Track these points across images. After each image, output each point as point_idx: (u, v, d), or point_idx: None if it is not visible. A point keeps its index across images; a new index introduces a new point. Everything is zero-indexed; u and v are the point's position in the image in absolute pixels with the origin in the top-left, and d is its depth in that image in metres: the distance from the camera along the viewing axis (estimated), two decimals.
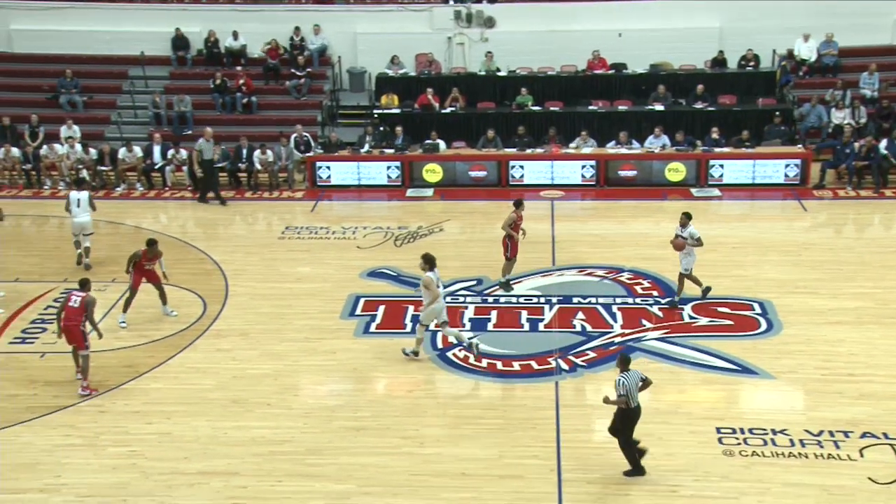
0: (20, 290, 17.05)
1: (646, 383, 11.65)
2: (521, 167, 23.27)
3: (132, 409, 13.33)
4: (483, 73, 26.62)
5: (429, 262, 14.35)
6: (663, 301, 16.50)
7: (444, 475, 11.85)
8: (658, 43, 26.73)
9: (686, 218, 16.29)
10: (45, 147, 23.37)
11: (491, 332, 15.74)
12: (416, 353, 14.71)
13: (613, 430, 11.63)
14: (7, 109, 24.90)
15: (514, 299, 16.83)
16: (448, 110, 25.37)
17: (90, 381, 13.77)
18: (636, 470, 11.65)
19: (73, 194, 18.38)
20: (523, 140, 23.92)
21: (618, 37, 26.87)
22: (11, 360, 14.74)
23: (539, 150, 23.60)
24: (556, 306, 16.52)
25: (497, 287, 17.01)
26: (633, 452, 11.62)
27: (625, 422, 11.51)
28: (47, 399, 13.57)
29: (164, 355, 14.86)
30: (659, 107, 25.06)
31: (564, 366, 14.56)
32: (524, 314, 16.31)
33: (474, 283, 17.46)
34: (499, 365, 14.66)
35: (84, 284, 14.01)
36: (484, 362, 14.69)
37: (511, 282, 17.14)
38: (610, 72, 26.47)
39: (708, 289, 16.46)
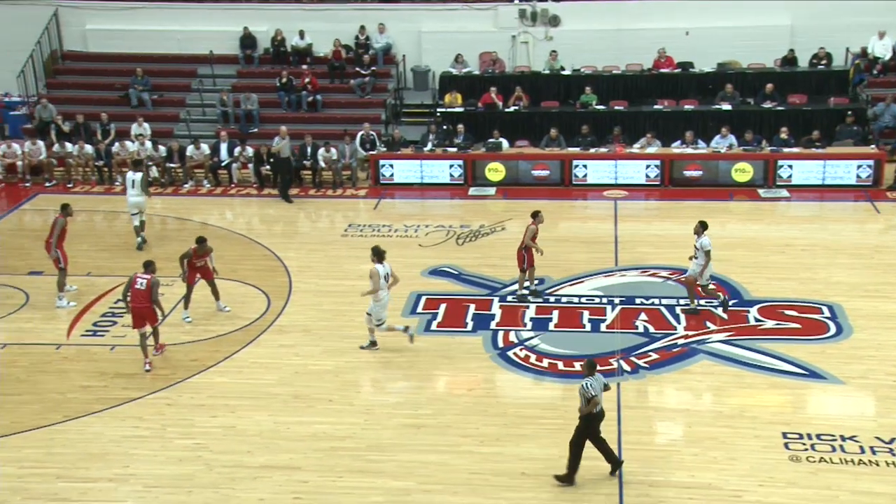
0: (92, 284, 17.45)
1: (606, 388, 11.50)
2: (585, 166, 23.10)
3: (198, 403, 13.57)
4: (547, 71, 26.48)
5: (377, 254, 14.64)
6: (686, 307, 16.12)
7: (503, 474, 11.81)
8: (726, 41, 26.31)
9: (701, 227, 15.99)
10: (116, 144, 23.89)
11: (552, 331, 15.66)
12: (373, 343, 14.93)
13: (575, 442, 11.42)
14: (81, 107, 25.53)
15: (575, 299, 16.71)
16: (511, 109, 25.30)
17: (161, 342, 14.84)
18: (568, 477, 11.42)
19: (129, 175, 19.46)
20: (587, 139, 23.74)
21: (685, 35, 26.51)
22: (83, 352, 15.11)
23: (603, 150, 23.41)
24: (619, 307, 16.36)
25: (517, 298, 16.51)
26: (576, 460, 11.40)
27: (588, 425, 11.34)
28: (117, 391, 13.88)
29: (229, 350, 15.08)
30: (726, 106, 24.66)
31: (626, 367, 14.42)
32: (586, 314, 16.19)
33: (536, 282, 17.37)
34: (560, 365, 14.58)
35: (148, 266, 14.54)
36: (545, 362, 14.63)
37: (535, 288, 16.74)
38: (676, 70, 26.13)
39: (726, 301, 16.08)
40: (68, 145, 23.88)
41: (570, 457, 11.44)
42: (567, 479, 11.46)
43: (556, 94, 25.99)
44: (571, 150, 23.49)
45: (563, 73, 26.34)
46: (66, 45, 28.17)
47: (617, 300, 16.63)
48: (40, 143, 23.87)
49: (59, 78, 27.64)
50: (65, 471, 11.95)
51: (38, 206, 21.37)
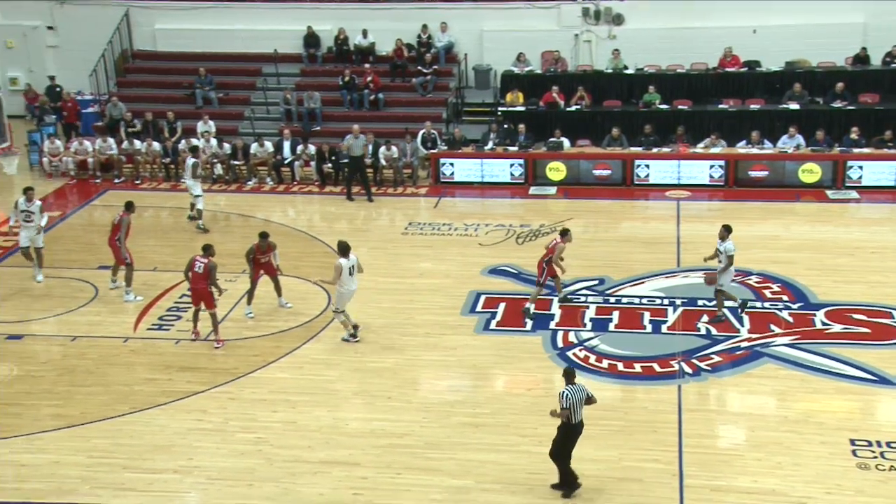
0: (158, 278, 17.79)
1: (591, 400, 11.18)
2: (647, 166, 22.87)
3: (259, 397, 13.75)
4: (610, 70, 26.26)
5: (341, 249, 14.97)
6: (711, 318, 15.77)
7: None
8: (795, 39, 25.74)
9: (725, 231, 15.70)
10: (182, 142, 24.30)
11: (612, 332, 15.53)
12: (353, 336, 15.18)
13: (554, 453, 11.22)
14: (150, 105, 26.04)
15: (636, 300, 16.55)
16: (573, 108, 25.15)
17: (220, 335, 15.23)
18: (563, 484, 11.24)
19: (189, 160, 20.79)
20: (649, 139, 23.50)
21: (752, 33, 26.06)
22: (149, 345, 15.41)
23: (666, 150, 23.15)
24: (681, 308, 16.17)
25: (526, 312, 16.12)
26: (567, 466, 11.20)
27: (566, 437, 11.11)
28: (181, 384, 14.14)
29: (290, 346, 15.25)
30: (794, 105, 24.19)
31: (688, 369, 14.24)
32: (647, 315, 16.03)
33: (596, 282, 17.26)
34: (620, 366, 14.47)
35: (206, 250, 15.14)
36: (605, 363, 14.53)
37: (565, 295, 16.46)
38: (743, 69, 25.69)
39: (745, 302, 15.82)
40: (137, 142, 24.38)
41: (559, 470, 11.25)
42: (565, 487, 11.30)
43: (619, 93, 25.76)
44: (634, 149, 23.26)
45: (626, 72, 26.09)
46: (136, 45, 28.76)
47: (679, 301, 16.43)
48: (110, 140, 24.40)
49: (129, 77, 28.22)
50: (131, 461, 12.20)
51: (107, 202, 21.83)
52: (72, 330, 15.88)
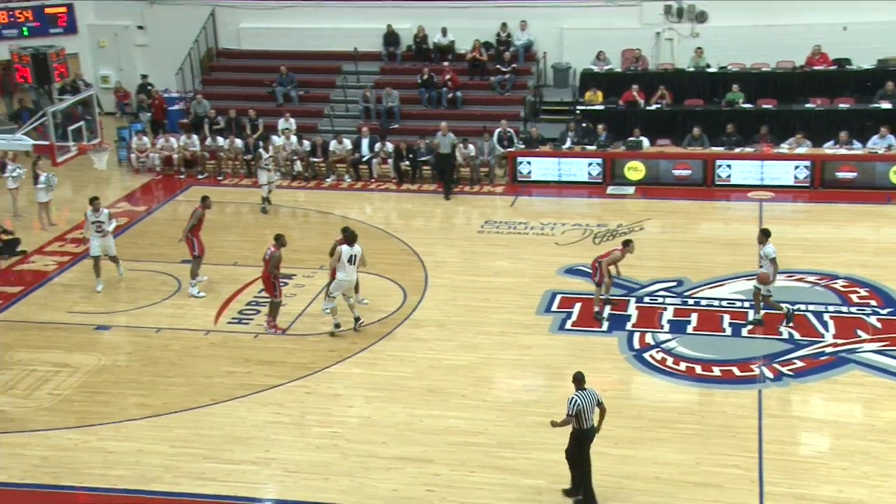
0: (238, 273, 18.12)
1: (601, 406, 10.93)
2: (729, 166, 22.44)
3: (335, 392, 13.91)
4: (692, 69, 25.83)
5: (348, 236, 15.30)
6: (751, 321, 15.43)
7: (636, 478, 11.63)
8: (888, 36, 24.91)
9: (763, 235, 15.29)
10: (268, 151, 24.65)
11: (691, 334, 15.29)
12: (337, 326, 15.44)
13: (570, 460, 11.06)
14: (233, 103, 26.53)
15: (716, 302, 16.26)
16: (653, 107, 24.82)
17: (277, 322, 15.71)
18: (575, 490, 11.07)
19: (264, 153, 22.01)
20: (732, 138, 23.04)
21: (842, 30, 25.32)
22: (229, 339, 15.71)
23: (749, 150, 22.68)
24: (762, 311, 15.81)
25: (597, 316, 15.96)
26: (581, 473, 11.01)
27: (577, 443, 10.91)
28: (259, 377, 14.38)
29: (366, 342, 15.38)
30: (886, 105, 23.43)
31: (769, 374, 13.94)
32: (726, 318, 15.74)
33: (674, 283, 17.02)
34: (698, 369, 14.24)
35: (278, 239, 15.59)
36: (682, 365, 14.31)
37: (609, 297, 16.19)
38: (832, 67, 24.98)
39: (791, 314, 15.29)
40: (220, 139, 24.87)
41: (573, 474, 11.14)
42: (572, 492, 11.21)
43: (701, 91, 25.31)
44: (715, 149, 22.85)
45: (709, 70, 25.62)
46: (221, 44, 29.35)
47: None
48: (195, 137, 24.93)
49: (214, 75, 28.82)
50: (211, 452, 12.47)
51: (190, 198, 22.29)
52: (156, 322, 16.29)
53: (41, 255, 19.23)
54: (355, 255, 15.28)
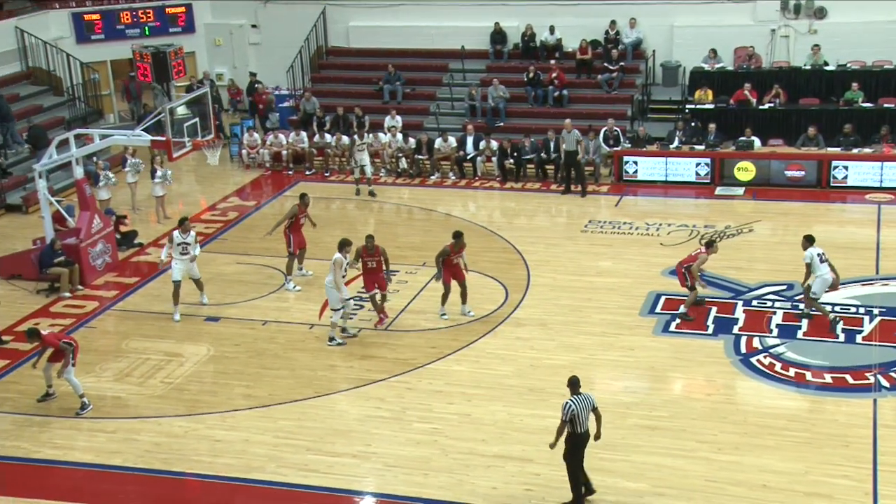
0: None
1: (596, 412, 10.94)
2: (845, 168, 21.65)
3: (436, 389, 13.99)
4: (808, 66, 25.01)
5: (340, 246, 15.28)
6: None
7: (742, 485, 11.35)
8: None
9: (807, 241, 14.90)
10: (369, 136, 25.00)
11: (801, 340, 14.83)
12: (338, 340, 15.37)
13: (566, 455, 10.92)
14: (340, 100, 26.97)
15: (828, 307, 15.71)
16: (766, 106, 24.12)
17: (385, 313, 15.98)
18: (574, 501, 10.84)
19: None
20: (849, 139, 22.22)
21: None
22: None
23: (867, 150, 21.83)
24: (878, 318, 15.22)
25: (679, 317, 15.75)
26: (575, 480, 10.94)
27: (573, 447, 10.87)
28: (362, 372, 14.59)
29: (467, 339, 15.43)
30: None
31: (885, 382, 13.41)
32: (840, 324, 15.19)
33: (784, 287, 16.52)
34: (808, 375, 13.81)
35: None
36: (791, 371, 13.90)
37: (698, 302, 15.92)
38: None
39: (835, 321, 14.82)
40: (327, 136, 25.31)
41: (569, 481, 11.01)
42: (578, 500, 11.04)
43: (818, 90, 24.48)
44: (831, 150, 22.08)
45: (827, 68, 24.75)
46: (330, 42, 29.87)
47: (876, 311, 15.49)
48: (303, 134, 25.44)
49: (323, 72, 29.35)
50: (314, 444, 12.71)
51: (298, 194, 22.76)
52: (262, 315, 16.69)
53: (156, 247, 19.94)
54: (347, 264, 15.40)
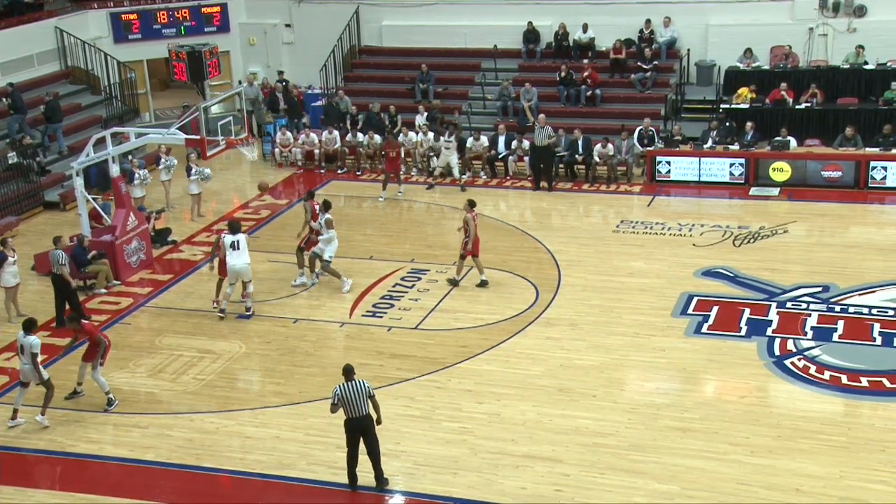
0: (373, 267, 18.44)
1: (373, 401, 11.55)
2: (884, 168, 21.33)
3: (465, 388, 13.97)
4: (846, 66, 24.67)
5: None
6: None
7: (775, 489, 11.22)
8: None
9: None
10: (401, 135, 25.04)
11: (836, 343, 14.63)
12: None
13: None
14: (373, 99, 27.02)
15: (865, 310, 15.50)
16: (802, 106, 23.83)
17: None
18: (351, 482, 11.67)
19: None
20: (889, 139, 21.89)
21: None
22: (363, 331, 16.01)
23: None
24: None
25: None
26: (350, 462, 11.59)
27: (346, 432, 11.56)
28: (391, 370, 14.60)
29: (497, 339, 15.39)
30: None
31: None
32: (876, 327, 14.98)
33: (819, 289, 16.31)
34: (843, 379, 13.61)
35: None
36: (826, 374, 13.72)
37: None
38: None
39: None
40: (359, 135, 25.36)
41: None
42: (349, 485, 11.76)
43: (856, 90, 24.15)
44: (870, 150, 21.77)
45: (866, 67, 24.40)
46: (363, 41, 29.95)
47: None
48: (335, 133, 25.51)
49: (355, 72, 29.43)
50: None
51: (329, 193, 22.80)
52: (293, 313, 16.76)
53: (189, 244, 20.10)
54: (237, 241, 16.26)
